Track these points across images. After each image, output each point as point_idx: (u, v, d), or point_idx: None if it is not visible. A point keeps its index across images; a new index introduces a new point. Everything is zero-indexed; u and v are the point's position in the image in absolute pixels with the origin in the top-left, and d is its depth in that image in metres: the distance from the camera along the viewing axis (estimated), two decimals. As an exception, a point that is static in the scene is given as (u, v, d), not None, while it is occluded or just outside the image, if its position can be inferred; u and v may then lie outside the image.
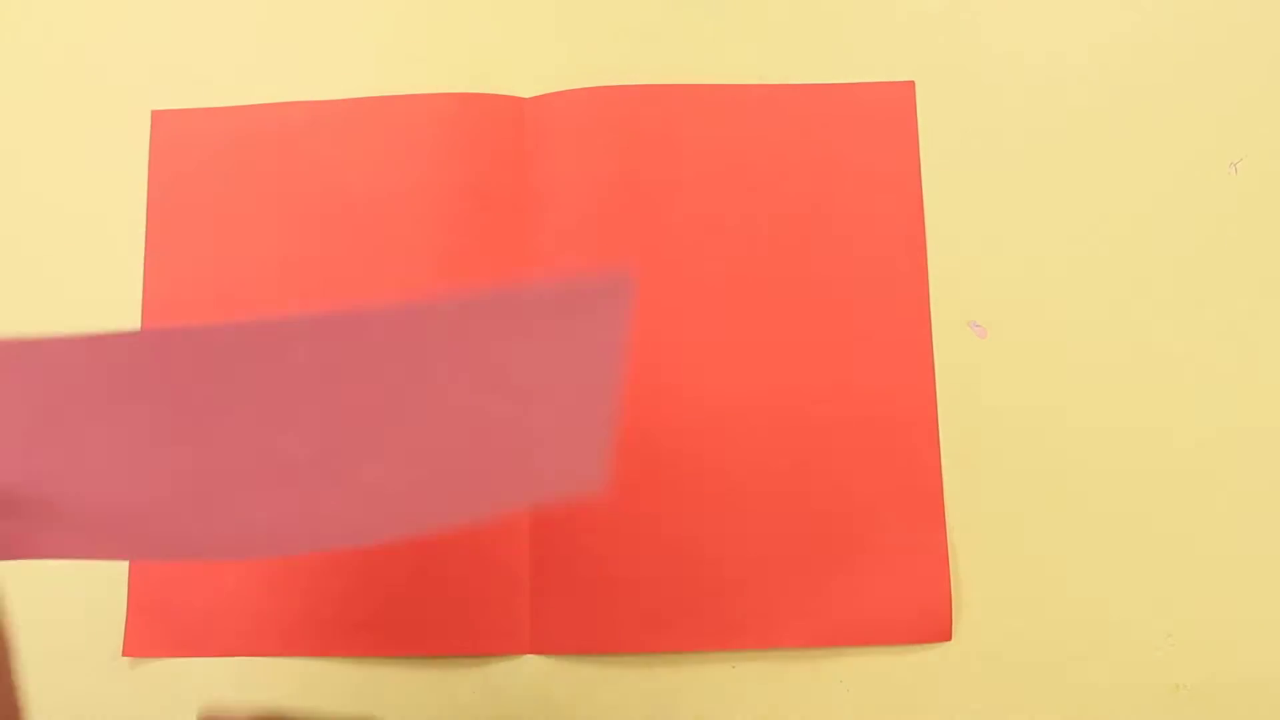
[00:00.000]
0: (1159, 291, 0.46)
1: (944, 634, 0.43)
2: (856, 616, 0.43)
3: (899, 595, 0.43)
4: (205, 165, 0.48)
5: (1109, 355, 0.45)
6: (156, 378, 0.27)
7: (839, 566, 0.44)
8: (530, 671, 0.44)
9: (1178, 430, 0.45)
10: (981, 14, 0.48)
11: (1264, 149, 0.47)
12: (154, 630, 0.44)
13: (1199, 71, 0.48)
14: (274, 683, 0.43)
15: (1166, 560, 0.44)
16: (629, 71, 0.48)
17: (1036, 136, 0.47)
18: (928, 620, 0.43)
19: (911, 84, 0.47)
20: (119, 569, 0.44)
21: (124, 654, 0.44)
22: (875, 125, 0.47)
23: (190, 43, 0.49)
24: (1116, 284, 0.46)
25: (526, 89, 0.48)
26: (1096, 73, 0.48)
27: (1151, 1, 0.48)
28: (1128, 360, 0.45)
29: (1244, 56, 0.48)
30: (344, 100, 0.48)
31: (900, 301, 0.46)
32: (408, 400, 0.29)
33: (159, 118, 0.48)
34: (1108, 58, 0.48)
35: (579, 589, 0.44)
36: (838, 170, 0.46)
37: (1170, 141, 0.47)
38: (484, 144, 0.47)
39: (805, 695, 0.43)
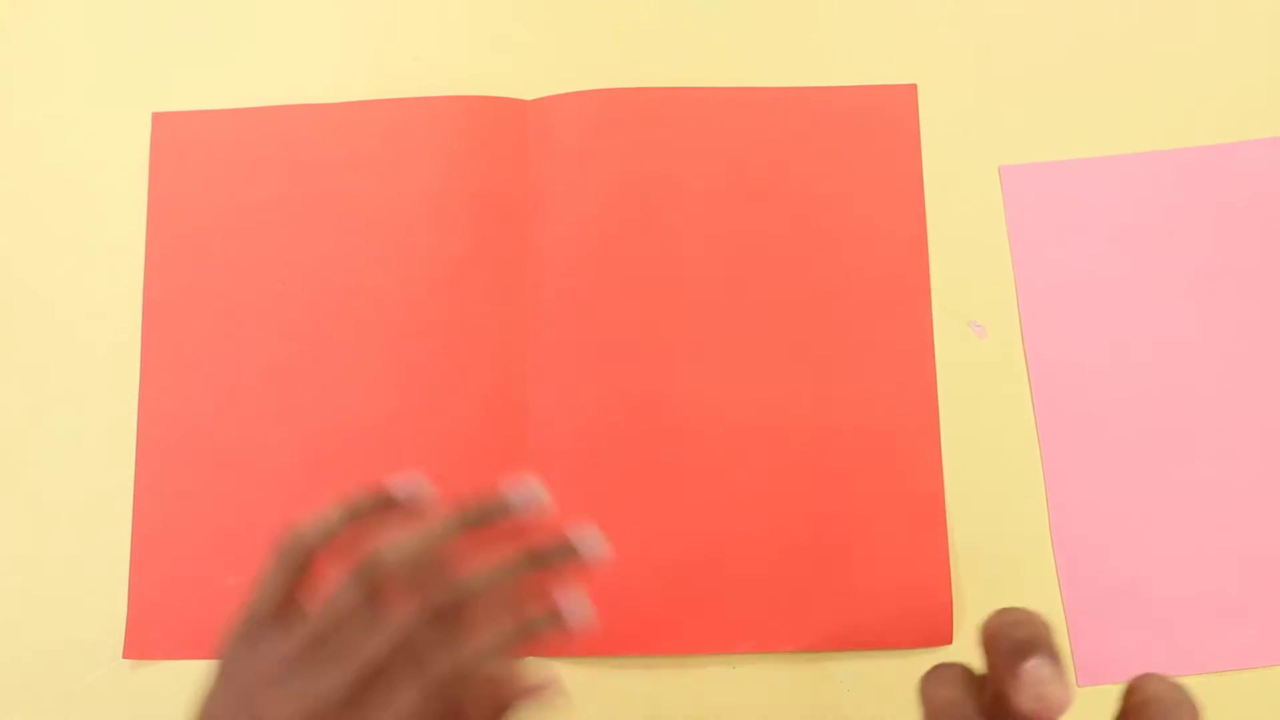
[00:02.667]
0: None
1: (945, 638, 0.43)
2: (858, 620, 0.43)
3: (900, 599, 0.43)
4: (206, 167, 0.48)
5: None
6: None
7: (841, 571, 0.44)
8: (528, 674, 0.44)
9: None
10: (983, 18, 0.48)
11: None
12: (154, 633, 0.44)
13: (1200, 73, 0.48)
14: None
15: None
16: (631, 74, 0.48)
17: (1037, 137, 0.47)
18: (929, 624, 0.43)
19: (914, 87, 0.47)
20: (119, 572, 0.44)
21: (124, 656, 0.44)
22: (878, 127, 0.47)
23: (191, 45, 0.49)
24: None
25: (528, 91, 0.48)
26: (1097, 75, 0.48)
27: (1153, 11, 0.48)
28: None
29: (1244, 56, 0.48)
30: (345, 103, 0.48)
31: (902, 302, 0.46)
32: None
33: (159, 120, 0.48)
34: (1108, 61, 0.48)
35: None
36: (840, 172, 0.46)
37: (1171, 143, 0.47)
38: (486, 146, 0.47)
39: (805, 697, 0.43)
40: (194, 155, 0.48)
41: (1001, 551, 0.44)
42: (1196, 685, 0.42)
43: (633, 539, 0.44)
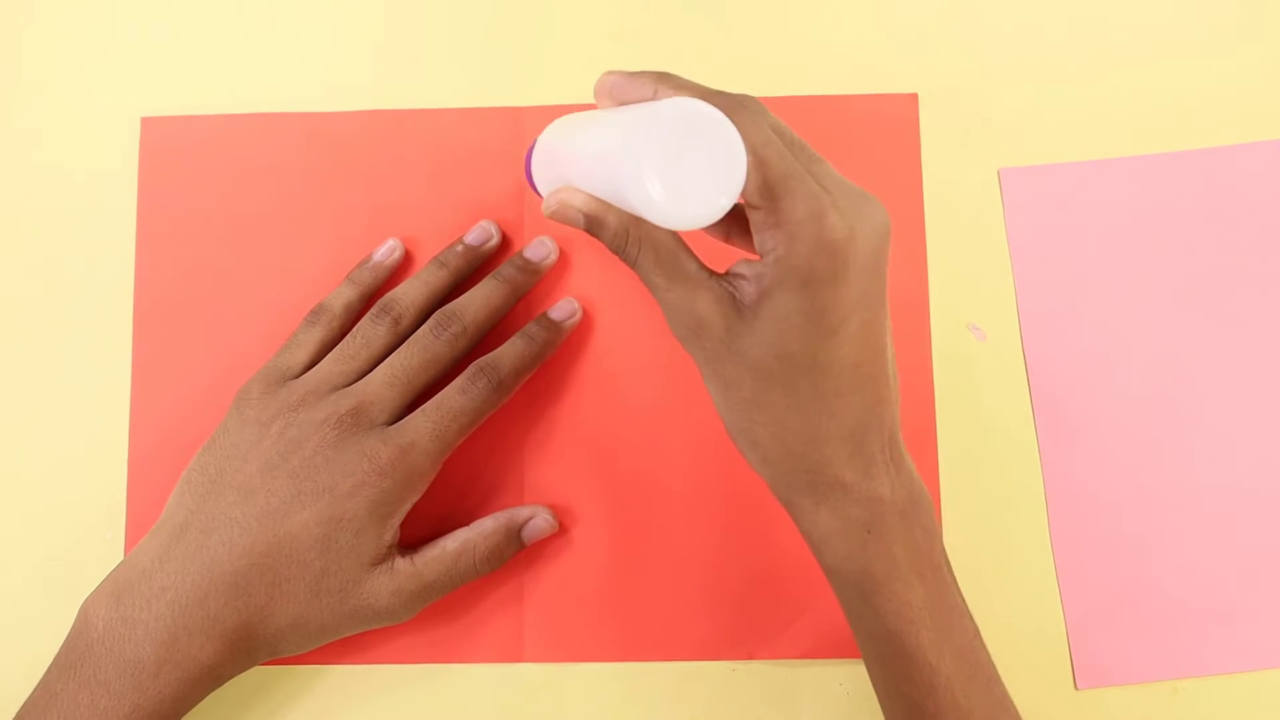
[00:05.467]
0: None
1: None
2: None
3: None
4: (195, 172, 0.47)
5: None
6: None
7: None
8: (528, 677, 0.44)
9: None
10: (982, 28, 0.48)
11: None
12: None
13: (1199, 76, 0.48)
14: (277, 689, 0.44)
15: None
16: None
17: (1034, 145, 0.47)
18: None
19: (914, 96, 0.47)
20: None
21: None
22: (879, 135, 0.47)
23: (181, 49, 0.48)
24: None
25: (526, 101, 0.47)
26: (1097, 78, 0.48)
27: (1150, 13, 0.49)
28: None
29: (1243, 59, 0.48)
30: (338, 113, 0.47)
31: (900, 305, 0.46)
32: None
33: (148, 124, 0.47)
34: (1108, 64, 0.48)
35: (575, 600, 0.44)
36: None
37: (1170, 145, 0.48)
38: (483, 157, 0.47)
39: (805, 698, 0.44)
40: (183, 160, 0.47)
41: (1000, 555, 0.45)
42: (1196, 687, 0.44)
43: (630, 546, 0.45)
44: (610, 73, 0.34)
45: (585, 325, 0.46)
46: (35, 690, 0.38)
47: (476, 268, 0.45)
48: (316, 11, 0.49)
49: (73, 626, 0.39)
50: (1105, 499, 0.45)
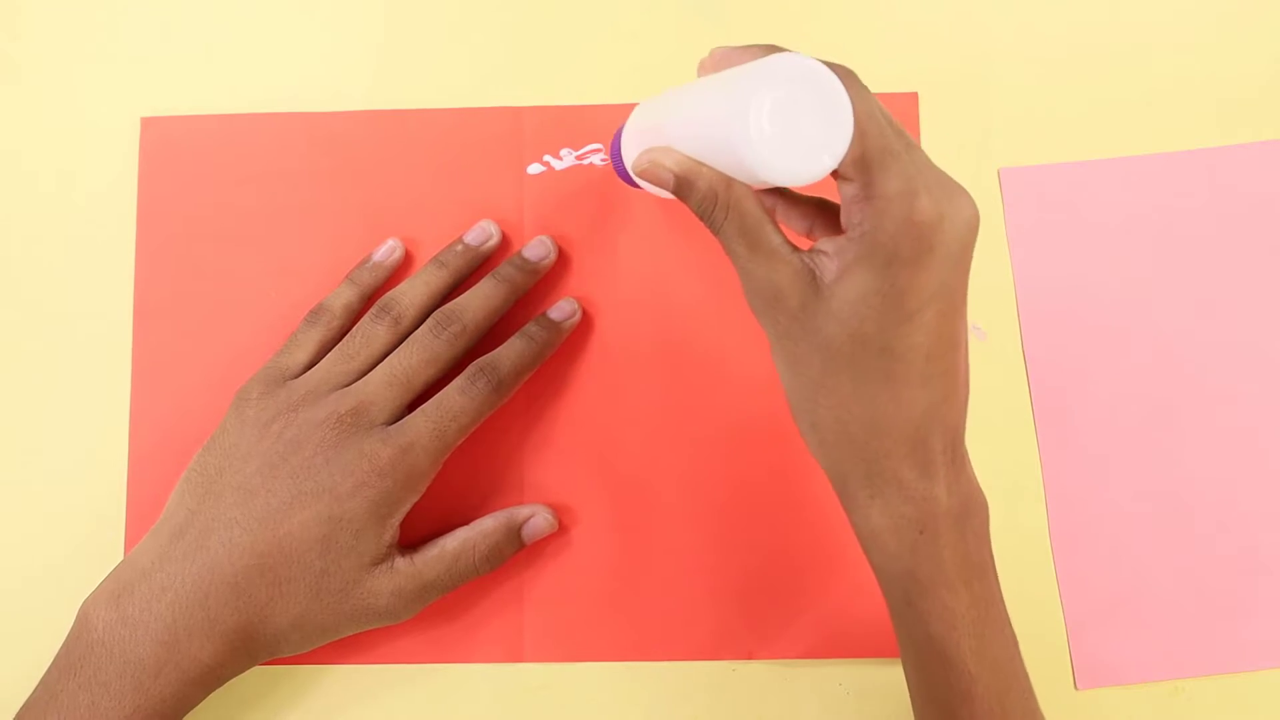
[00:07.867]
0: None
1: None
2: (857, 627, 0.44)
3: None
4: (195, 172, 0.47)
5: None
6: None
7: (838, 577, 0.44)
8: (528, 677, 0.44)
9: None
10: (982, 28, 0.49)
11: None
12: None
13: (1200, 75, 0.48)
14: (277, 689, 0.44)
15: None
16: (633, 83, 0.48)
17: (1034, 145, 0.47)
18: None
19: (914, 95, 0.47)
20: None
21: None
22: (879, 135, 0.47)
23: (181, 50, 0.48)
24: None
25: (526, 100, 0.48)
26: (1097, 78, 0.48)
27: (1151, 13, 0.49)
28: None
29: (1244, 58, 0.48)
30: (338, 113, 0.47)
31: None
32: None
33: (148, 124, 0.47)
34: (1108, 63, 0.48)
35: (575, 600, 0.44)
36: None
37: (1170, 145, 0.48)
38: (483, 157, 0.47)
39: (805, 699, 0.44)
40: (183, 160, 0.47)
41: (1000, 554, 0.44)
42: (1196, 687, 0.44)
43: (630, 546, 0.45)
44: (718, 48, 0.35)
45: (585, 325, 0.46)
46: (35, 691, 0.38)
47: (476, 268, 0.45)
48: (316, 11, 0.49)
49: (73, 627, 0.39)
50: (1105, 499, 0.45)
